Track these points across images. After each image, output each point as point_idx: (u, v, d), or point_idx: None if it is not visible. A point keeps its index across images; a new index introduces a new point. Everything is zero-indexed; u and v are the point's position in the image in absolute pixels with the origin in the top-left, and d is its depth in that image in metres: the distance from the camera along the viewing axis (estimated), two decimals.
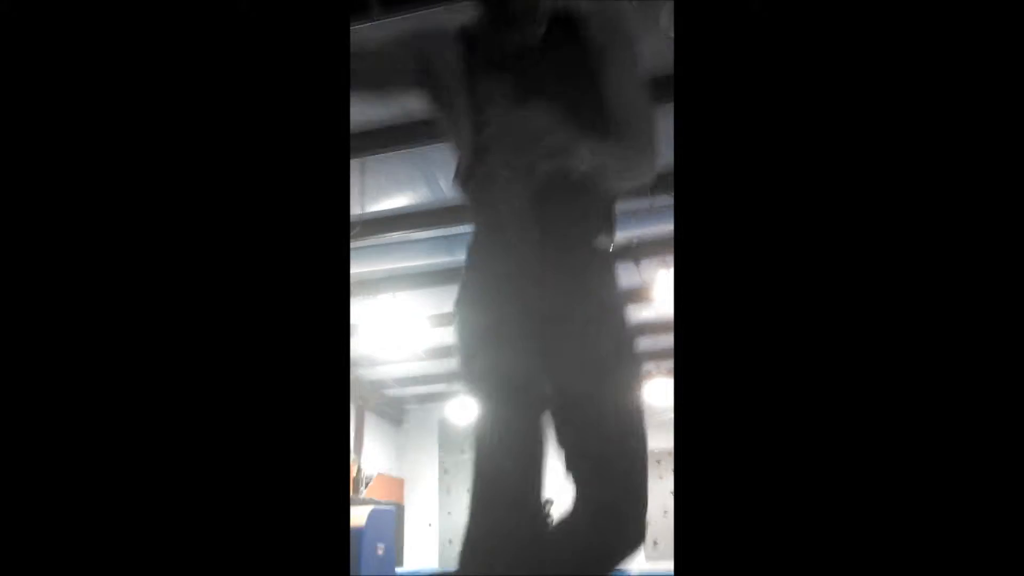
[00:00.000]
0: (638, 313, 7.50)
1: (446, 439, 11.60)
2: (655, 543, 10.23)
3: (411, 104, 3.96)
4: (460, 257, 6.04)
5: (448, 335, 6.88)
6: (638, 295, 6.73)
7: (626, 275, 6.30)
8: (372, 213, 5.03)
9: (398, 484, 11.10)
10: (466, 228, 5.43)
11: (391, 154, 4.44)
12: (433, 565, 10.32)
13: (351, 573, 6.82)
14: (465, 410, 10.13)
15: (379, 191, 4.86)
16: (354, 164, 4.49)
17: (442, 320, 7.31)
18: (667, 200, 4.77)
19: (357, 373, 9.24)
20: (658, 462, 10.93)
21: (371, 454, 10.17)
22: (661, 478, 10.60)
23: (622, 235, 5.42)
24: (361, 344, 7.73)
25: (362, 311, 6.49)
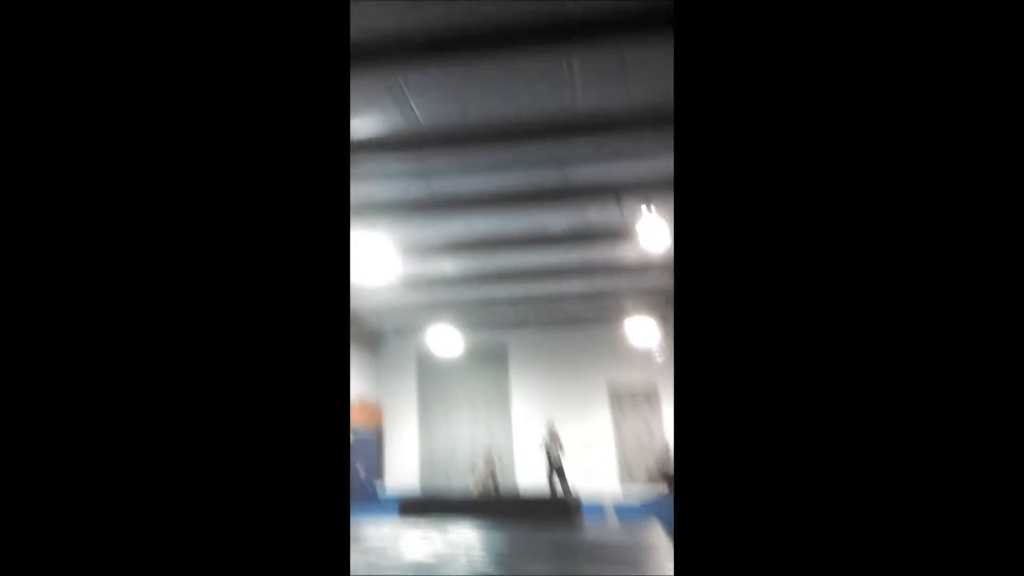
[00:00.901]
0: (620, 251, 7.45)
1: (424, 368, 11.79)
2: (628, 470, 10.66)
3: (380, 19, 3.71)
4: (432, 188, 5.84)
5: (424, 267, 6.83)
6: (620, 234, 6.65)
7: (608, 214, 6.18)
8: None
9: (377, 411, 11.31)
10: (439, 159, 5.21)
11: (361, 72, 4.18)
12: (415, 484, 10.67)
13: None
14: (443, 340, 10.23)
15: (352, 115, 4.61)
16: None
17: (417, 252, 7.21)
18: (650, 139, 4.59)
19: None
20: (647, 397, 11.15)
21: (351, 382, 10.25)
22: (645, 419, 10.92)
23: (605, 173, 5.25)
24: None
25: None
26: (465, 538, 3.19)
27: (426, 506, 5.06)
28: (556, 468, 8.87)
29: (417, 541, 3.08)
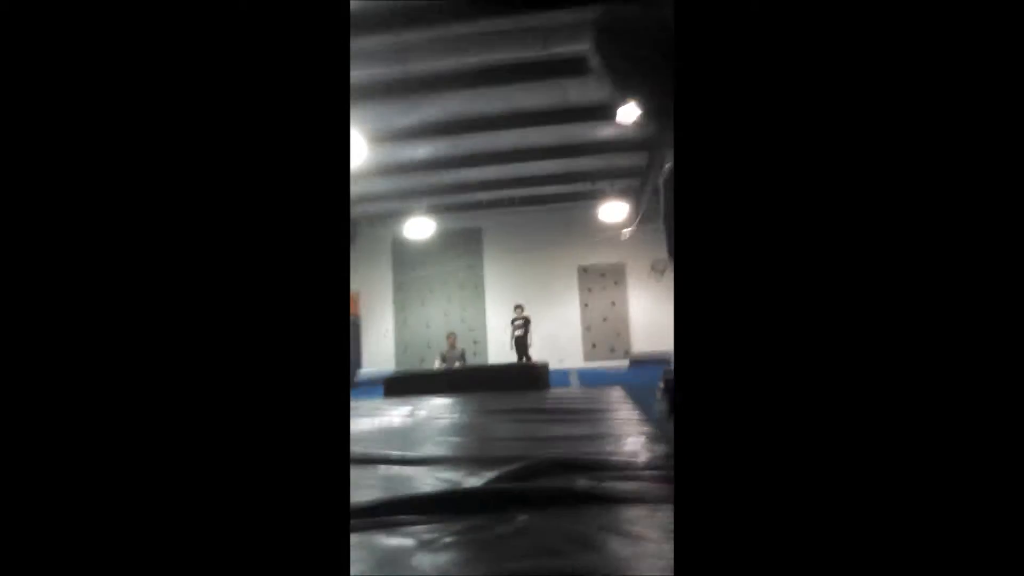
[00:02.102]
0: (601, 131, 7.31)
1: (399, 256, 11.79)
2: (593, 345, 11.18)
3: None
4: (408, 67, 5.56)
5: (396, 152, 6.64)
6: (600, 112, 6.49)
7: (593, 91, 5.99)
8: None
9: (354, 297, 11.41)
10: (417, 34, 4.92)
11: None
12: (390, 367, 11.03)
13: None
14: (418, 229, 10.17)
15: None
16: None
17: (389, 136, 6.95)
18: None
19: None
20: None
21: None
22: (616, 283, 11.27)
23: (586, 47, 5.04)
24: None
25: None
26: (443, 404, 3.53)
27: (407, 383, 5.33)
28: (520, 346, 9.51)
29: (401, 414, 3.29)
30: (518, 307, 9.88)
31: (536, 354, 9.58)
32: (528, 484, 1.28)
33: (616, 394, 3.60)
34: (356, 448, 1.86)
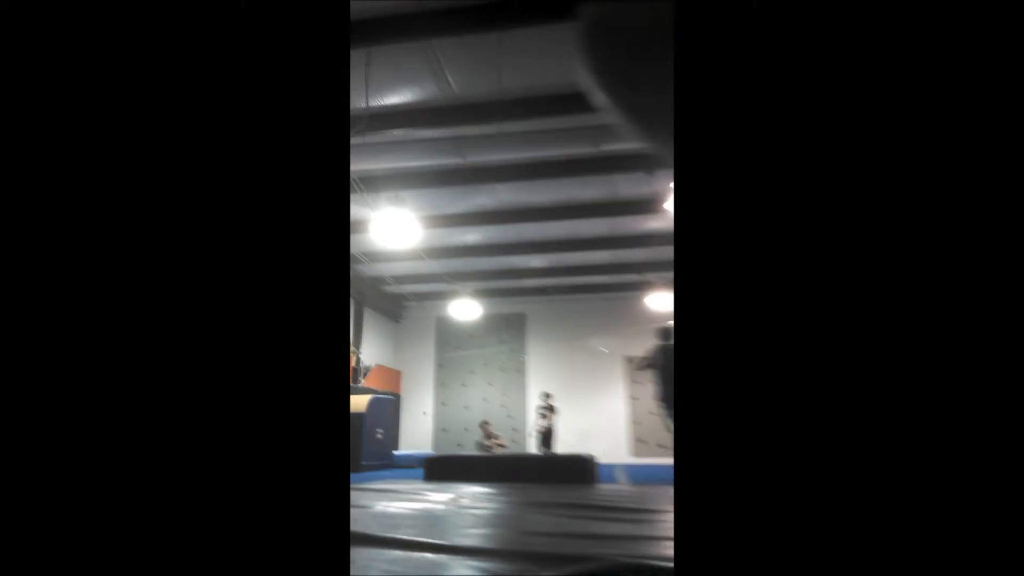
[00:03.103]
0: (647, 223, 7.43)
1: (442, 335, 11.89)
2: (642, 441, 10.78)
3: None
4: (467, 159, 5.82)
5: (447, 236, 6.78)
6: (649, 206, 6.63)
7: (639, 185, 6.15)
8: (378, 108, 4.80)
9: (396, 375, 11.47)
10: (473, 128, 5.17)
11: (398, 46, 4.16)
12: (427, 449, 10.87)
13: (354, 454, 7.21)
14: (464, 310, 10.31)
15: (384, 85, 4.61)
16: (358, 55, 4.22)
17: (442, 221, 7.22)
18: None
19: (357, 269, 9.25)
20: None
21: (370, 347, 10.41)
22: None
23: (636, 145, 5.23)
24: (362, 241, 7.67)
25: (363, 209, 6.37)
26: (485, 493, 3.37)
27: (449, 466, 5.19)
28: (544, 437, 9.20)
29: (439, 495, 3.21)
30: (546, 395, 9.59)
31: (578, 447, 9.27)
32: None
33: (666, 492, 3.44)
34: (401, 534, 1.84)
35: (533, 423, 9.64)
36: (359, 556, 1.47)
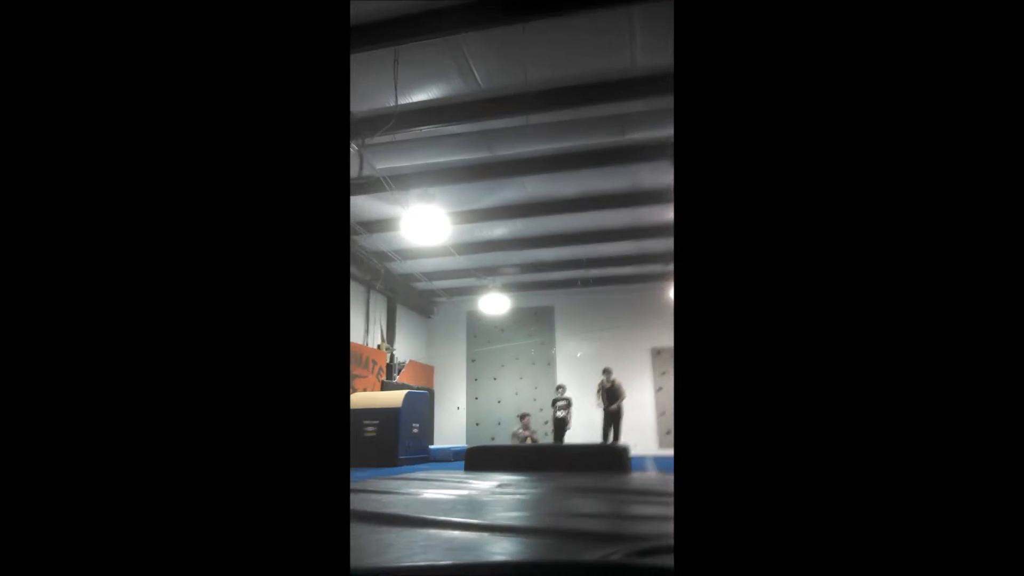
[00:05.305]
0: (670, 214, 7.37)
1: (473, 330, 11.98)
2: (668, 432, 10.73)
3: None
4: (494, 152, 5.84)
5: (476, 231, 6.81)
6: (672, 196, 6.59)
7: (662, 175, 6.13)
8: (405, 105, 4.87)
9: (429, 371, 11.60)
10: (500, 122, 5.20)
11: (425, 43, 4.22)
12: (461, 443, 10.98)
13: (391, 448, 7.34)
14: (493, 304, 10.38)
15: (412, 83, 4.68)
16: (386, 53, 4.29)
17: (471, 216, 7.29)
18: None
19: (389, 266, 9.38)
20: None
21: (403, 343, 10.55)
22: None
23: (661, 134, 5.22)
24: (393, 238, 7.78)
25: (394, 206, 6.47)
26: (525, 480, 3.47)
27: (488, 456, 5.27)
28: (558, 428, 9.23)
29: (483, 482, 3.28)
30: (560, 387, 9.66)
31: (592, 438, 9.33)
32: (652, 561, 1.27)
33: None
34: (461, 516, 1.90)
35: (551, 415, 9.68)
36: (417, 537, 1.54)
